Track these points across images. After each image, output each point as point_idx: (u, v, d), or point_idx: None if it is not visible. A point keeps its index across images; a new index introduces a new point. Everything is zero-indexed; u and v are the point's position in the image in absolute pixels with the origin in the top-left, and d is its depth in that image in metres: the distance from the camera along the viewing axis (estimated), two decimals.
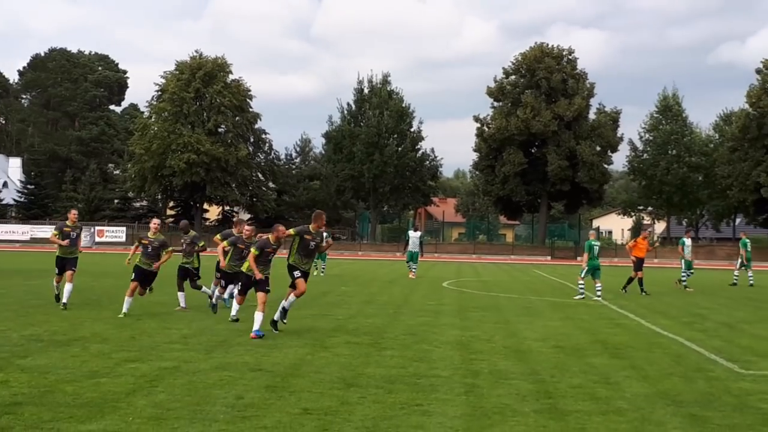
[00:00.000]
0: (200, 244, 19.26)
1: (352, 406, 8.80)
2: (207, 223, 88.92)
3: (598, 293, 24.09)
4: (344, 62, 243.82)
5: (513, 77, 79.36)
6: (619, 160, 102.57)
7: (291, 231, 14.53)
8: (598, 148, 76.00)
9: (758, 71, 74.41)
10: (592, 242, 24.67)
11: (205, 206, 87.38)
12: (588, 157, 73.49)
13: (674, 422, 8.45)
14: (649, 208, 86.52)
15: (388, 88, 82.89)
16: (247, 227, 17.94)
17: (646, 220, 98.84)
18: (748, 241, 32.69)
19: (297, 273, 14.42)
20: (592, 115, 78.50)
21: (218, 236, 18.93)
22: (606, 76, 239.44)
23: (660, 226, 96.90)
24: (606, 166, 78.60)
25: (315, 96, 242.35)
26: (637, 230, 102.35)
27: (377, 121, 79.31)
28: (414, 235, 34.25)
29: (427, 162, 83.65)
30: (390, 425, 7.99)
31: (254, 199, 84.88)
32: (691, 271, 30.00)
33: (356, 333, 14.77)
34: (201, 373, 10.45)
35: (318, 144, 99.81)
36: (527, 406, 9.03)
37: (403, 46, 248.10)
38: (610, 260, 68.35)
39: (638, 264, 27.14)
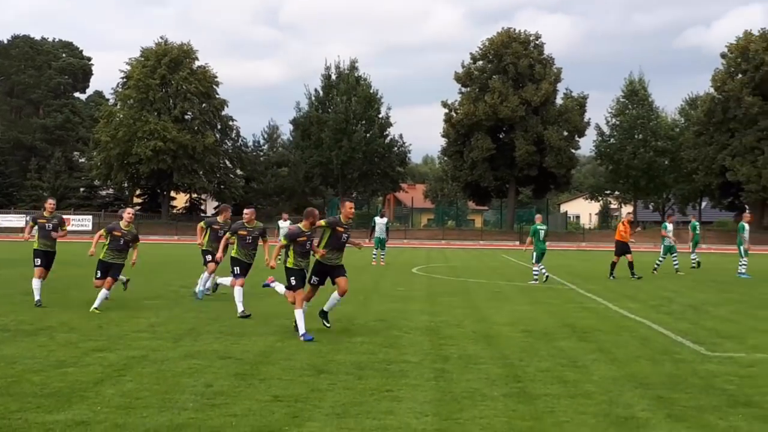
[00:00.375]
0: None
1: (323, 392, 8.81)
2: (174, 211, 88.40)
3: (535, 278, 24.38)
4: (312, 48, 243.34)
5: (480, 63, 79.43)
6: (586, 145, 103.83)
7: (321, 222, 13.14)
8: (566, 133, 76.34)
9: (723, 55, 75.08)
10: (538, 226, 24.85)
11: (172, 194, 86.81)
12: (555, 142, 73.83)
13: (642, 404, 8.53)
14: (616, 193, 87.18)
15: (356, 74, 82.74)
16: (246, 210, 16.24)
17: (613, 205, 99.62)
18: (698, 224, 32.99)
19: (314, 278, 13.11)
20: (559, 100, 78.82)
21: (202, 224, 18.36)
22: (573, 62, 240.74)
23: (626, 210, 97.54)
24: (573, 150, 79.00)
25: (282, 82, 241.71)
26: (605, 215, 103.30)
27: (345, 108, 79.14)
28: (380, 222, 34.23)
29: (396, 148, 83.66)
30: (360, 411, 8.01)
31: (222, 187, 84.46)
32: (675, 254, 30.07)
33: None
34: (169, 362, 10.40)
35: (286, 131, 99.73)
36: (496, 390, 9.08)
37: (371, 32, 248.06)
38: (578, 245, 68.81)
39: (624, 248, 27.01)
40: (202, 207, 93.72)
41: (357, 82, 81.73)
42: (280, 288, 14.07)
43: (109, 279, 15.69)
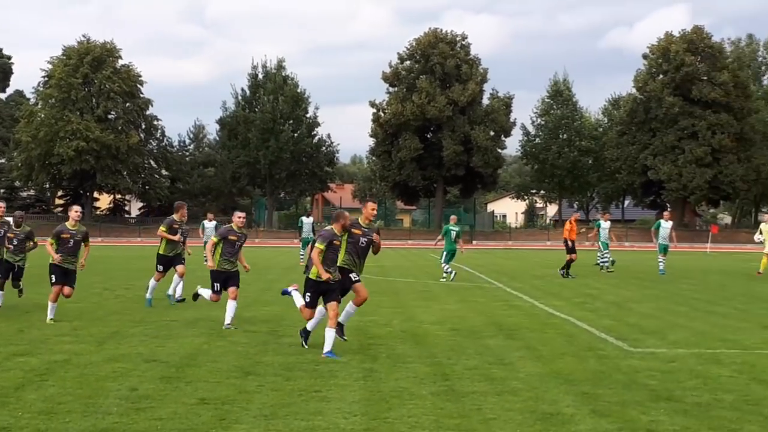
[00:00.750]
0: (33, 241, 16.55)
1: (250, 394, 8.75)
2: (98, 212, 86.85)
3: (443, 277, 24.77)
4: (239, 47, 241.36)
5: (408, 63, 79.69)
6: (512, 145, 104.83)
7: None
8: (492, 133, 77.02)
9: (645, 56, 76.69)
10: (450, 227, 25.21)
11: (96, 195, 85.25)
12: (482, 142, 74.45)
13: (567, 400, 8.66)
14: (542, 192, 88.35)
15: (283, 74, 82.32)
16: (239, 213, 14.60)
17: (539, 204, 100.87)
18: (602, 222, 33.56)
19: (354, 276, 11.98)
20: (485, 101, 79.48)
21: (162, 228, 17.02)
22: (499, 62, 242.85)
23: (552, 209, 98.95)
24: (499, 150, 79.80)
25: (208, 82, 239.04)
26: (531, 214, 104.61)
27: (272, 107, 78.70)
28: (308, 221, 34.04)
29: (324, 148, 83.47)
30: (288, 412, 7.97)
31: (147, 187, 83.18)
32: (607, 252, 30.05)
33: (253, 321, 14.67)
34: (93, 366, 10.23)
35: (212, 130, 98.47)
36: (425, 388, 9.12)
37: (299, 31, 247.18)
38: (505, 243, 69.60)
39: (572, 247, 27.29)
40: (127, 208, 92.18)
41: (284, 82, 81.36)
42: (298, 300, 12.59)
43: (67, 289, 14.51)
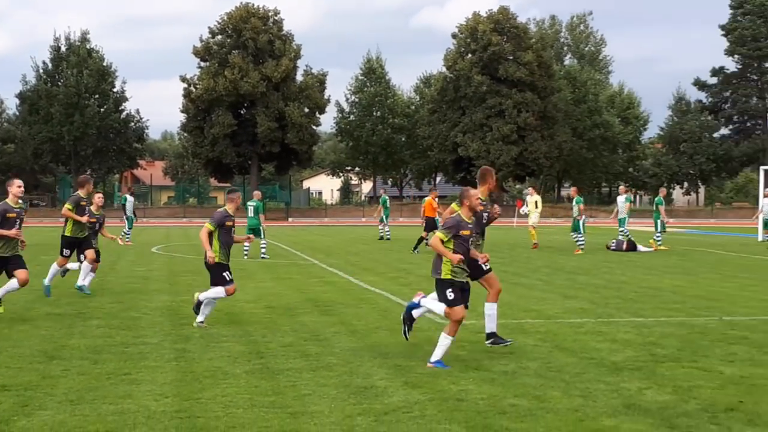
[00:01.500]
0: None
1: (55, 379, 8.41)
2: None
3: (245, 252, 25.00)
4: (42, 18, 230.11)
5: (219, 37, 78.35)
6: (327, 122, 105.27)
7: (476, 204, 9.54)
8: (307, 110, 76.99)
9: (454, 35, 78.70)
10: (248, 203, 25.31)
11: None
12: (297, 119, 74.34)
13: (380, 373, 8.79)
14: (357, 169, 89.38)
15: (88, 47, 79.31)
16: (235, 195, 12.42)
17: (354, 181, 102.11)
18: (387, 198, 34.71)
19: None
20: (299, 77, 79.36)
21: (68, 205, 15.31)
22: (313, 39, 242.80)
23: (367, 186, 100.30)
24: (314, 127, 79.93)
25: (6, 54, 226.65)
26: (346, 190, 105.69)
27: (76, 81, 75.68)
28: (131, 200, 33.32)
29: (133, 123, 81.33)
30: (96, 396, 7.72)
31: None
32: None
33: (58, 304, 14.07)
34: None
35: (12, 105, 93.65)
36: (239, 367, 9.05)
37: (105, 3, 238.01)
38: (320, 220, 69.96)
39: (434, 223, 27.69)
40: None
41: (89, 55, 78.39)
42: (437, 307, 9.83)
43: (22, 272, 12.25)
